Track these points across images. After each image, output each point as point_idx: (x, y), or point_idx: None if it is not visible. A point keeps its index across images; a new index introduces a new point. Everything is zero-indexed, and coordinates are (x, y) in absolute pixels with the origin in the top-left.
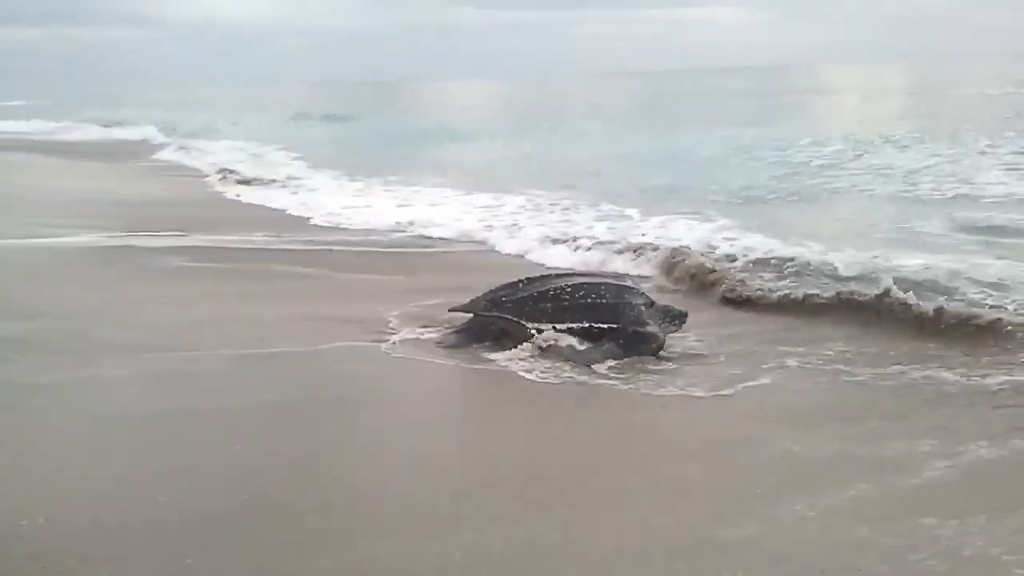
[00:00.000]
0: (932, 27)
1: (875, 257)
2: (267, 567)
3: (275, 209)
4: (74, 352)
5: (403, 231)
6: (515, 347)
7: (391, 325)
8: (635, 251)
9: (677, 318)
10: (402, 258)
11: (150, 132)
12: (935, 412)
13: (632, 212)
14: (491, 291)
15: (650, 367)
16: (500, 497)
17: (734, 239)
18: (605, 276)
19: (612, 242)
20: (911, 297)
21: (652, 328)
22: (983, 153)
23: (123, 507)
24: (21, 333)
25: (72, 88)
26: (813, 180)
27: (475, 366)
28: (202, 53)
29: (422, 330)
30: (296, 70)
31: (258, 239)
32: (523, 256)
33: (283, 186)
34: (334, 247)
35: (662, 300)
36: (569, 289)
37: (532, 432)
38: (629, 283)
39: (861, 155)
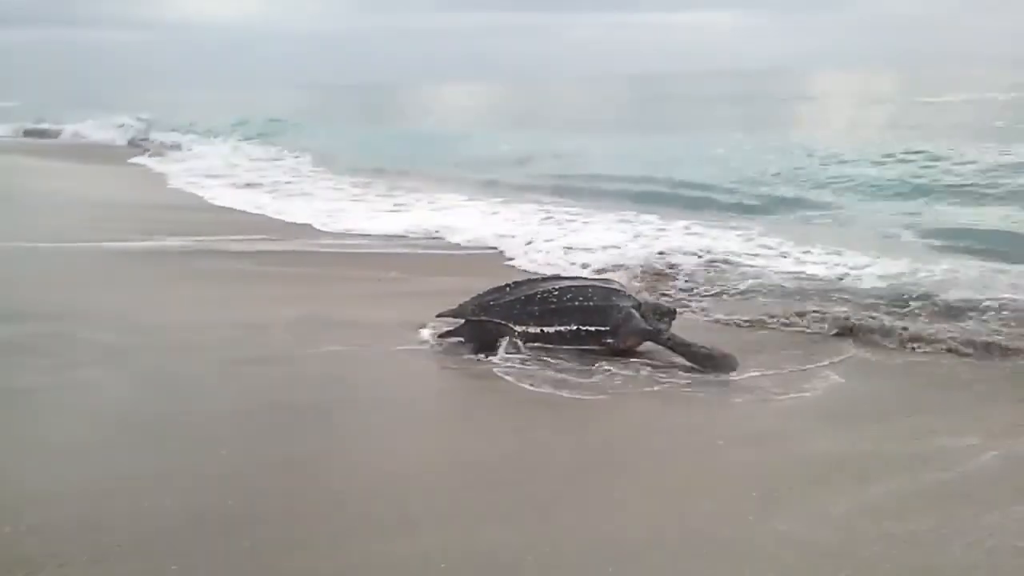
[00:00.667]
0: (925, 32)
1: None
2: (253, 571)
3: (268, 215)
4: (61, 355)
5: (406, 235)
6: (512, 351)
7: (387, 329)
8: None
9: (667, 315)
10: (405, 262)
11: (135, 132)
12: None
13: (651, 218)
14: (479, 295)
15: (649, 372)
16: (498, 498)
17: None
18: (592, 279)
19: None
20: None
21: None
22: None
23: (108, 512)
24: (6, 335)
25: (62, 89)
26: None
27: (465, 369)
28: (194, 55)
29: (416, 334)
30: (287, 73)
31: (253, 243)
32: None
33: (273, 190)
34: (334, 250)
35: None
36: (556, 292)
37: (526, 436)
38: (616, 285)
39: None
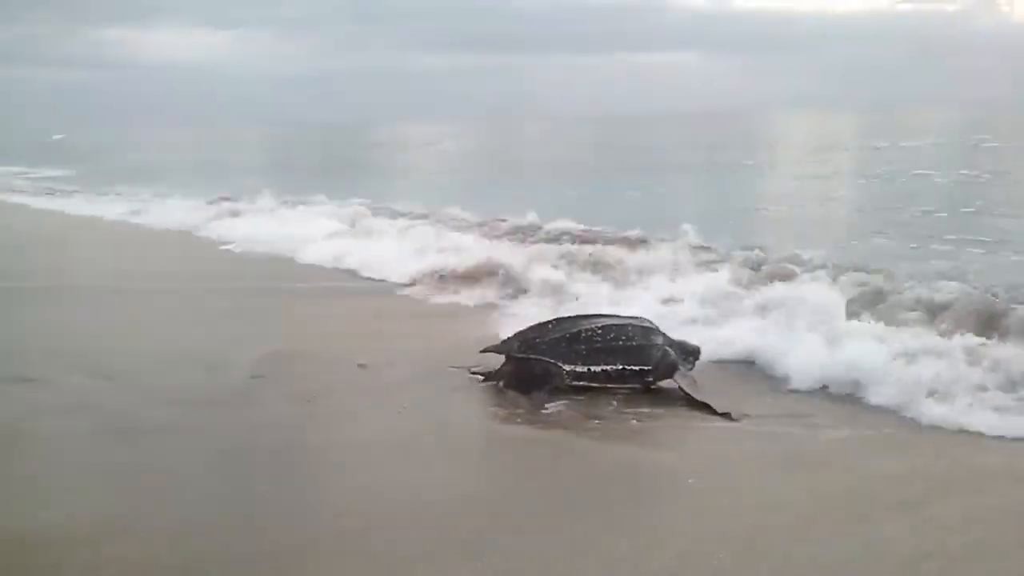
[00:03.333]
0: (885, 76)
1: None
2: None
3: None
4: (23, 399)
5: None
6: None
7: (350, 366)
8: None
9: (692, 354)
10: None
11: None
12: None
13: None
14: (520, 332)
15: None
16: (469, 538)
17: None
18: (626, 317)
19: None
20: None
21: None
22: None
23: (66, 561)
24: None
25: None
26: None
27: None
28: (160, 95)
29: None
30: (256, 114)
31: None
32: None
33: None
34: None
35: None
36: (600, 331)
37: (498, 476)
38: (648, 323)
39: None
